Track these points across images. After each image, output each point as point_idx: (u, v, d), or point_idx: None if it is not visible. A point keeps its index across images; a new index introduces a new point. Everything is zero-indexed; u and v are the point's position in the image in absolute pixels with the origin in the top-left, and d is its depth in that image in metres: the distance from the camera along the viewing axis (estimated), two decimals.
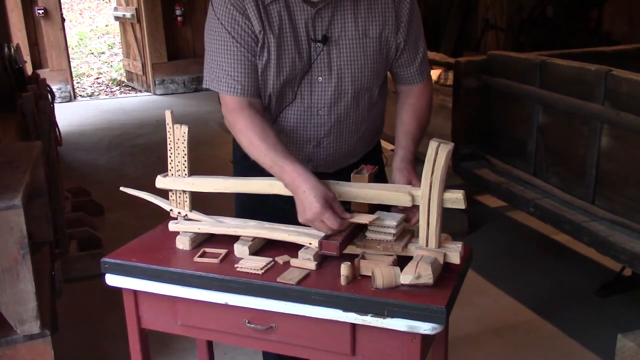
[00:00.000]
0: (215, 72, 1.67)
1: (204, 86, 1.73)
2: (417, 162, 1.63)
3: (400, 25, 1.70)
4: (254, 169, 1.74)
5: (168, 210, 1.73)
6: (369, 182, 1.60)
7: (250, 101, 1.66)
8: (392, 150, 1.76)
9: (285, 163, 1.55)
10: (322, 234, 1.52)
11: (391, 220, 1.50)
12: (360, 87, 1.71)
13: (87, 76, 10.72)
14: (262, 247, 1.65)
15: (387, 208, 1.58)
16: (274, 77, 1.66)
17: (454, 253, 1.46)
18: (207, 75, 1.70)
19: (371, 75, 1.71)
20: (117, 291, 1.66)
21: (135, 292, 1.64)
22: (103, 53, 12.15)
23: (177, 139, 1.66)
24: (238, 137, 1.66)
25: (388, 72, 1.81)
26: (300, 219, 1.53)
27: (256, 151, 1.60)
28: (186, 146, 1.66)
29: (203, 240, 1.70)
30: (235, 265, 1.54)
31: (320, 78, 1.68)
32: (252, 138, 1.61)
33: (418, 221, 1.49)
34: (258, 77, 1.66)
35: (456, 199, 1.44)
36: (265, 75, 1.66)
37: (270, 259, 1.56)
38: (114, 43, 12.36)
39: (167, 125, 1.66)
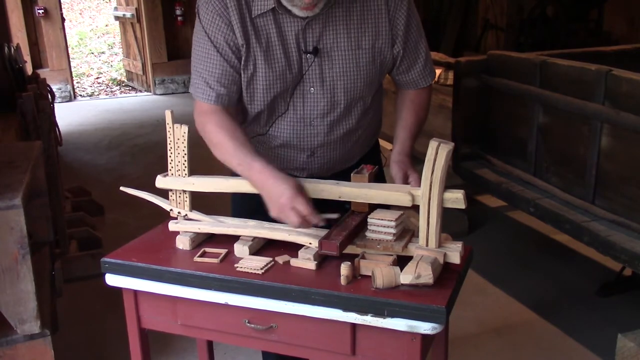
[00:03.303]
0: (194, 77, 1.69)
1: (190, 90, 1.75)
2: (417, 162, 1.63)
3: (397, 35, 1.69)
4: None
5: (168, 210, 1.73)
6: (369, 182, 1.60)
7: (223, 109, 1.68)
8: (392, 150, 1.77)
9: (254, 160, 1.57)
10: (322, 234, 1.51)
11: (390, 216, 1.50)
12: (353, 97, 1.71)
13: (87, 76, 10.72)
14: (262, 247, 1.65)
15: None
16: (263, 89, 1.66)
17: (454, 253, 1.46)
18: (191, 80, 1.73)
19: (364, 86, 1.71)
20: (117, 291, 1.66)
21: (135, 292, 1.64)
22: (103, 53, 12.16)
23: (177, 138, 1.66)
24: (208, 137, 1.67)
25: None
26: (273, 211, 1.53)
27: (223, 150, 1.63)
28: (186, 146, 1.66)
29: (203, 240, 1.70)
30: (235, 265, 1.54)
31: (312, 89, 1.68)
32: (220, 137, 1.63)
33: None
34: (235, 87, 1.68)
35: (456, 199, 1.44)
36: (252, 87, 1.67)
37: (270, 259, 1.56)
38: (114, 43, 12.37)
39: (167, 125, 1.66)
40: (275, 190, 1.52)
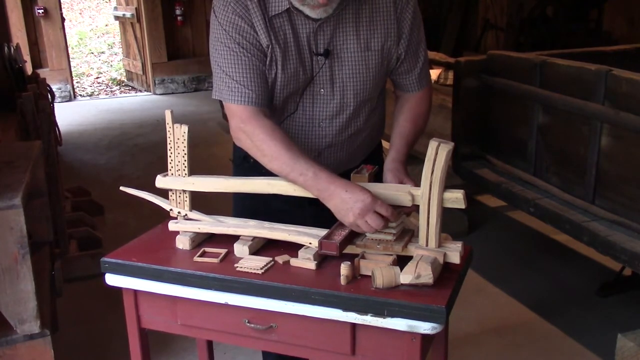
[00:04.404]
0: (226, 82, 1.63)
1: (214, 97, 1.70)
2: (417, 162, 1.63)
3: (401, 36, 1.69)
4: (255, 170, 1.74)
5: (168, 210, 1.73)
6: (369, 182, 1.60)
7: (262, 110, 1.64)
8: (386, 157, 1.76)
9: (319, 170, 1.52)
10: (322, 234, 1.51)
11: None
12: (362, 99, 1.71)
13: (87, 76, 10.72)
14: (262, 246, 1.65)
15: None
16: (279, 89, 1.66)
17: (454, 253, 1.46)
18: (216, 86, 1.67)
19: (373, 87, 1.71)
20: (117, 291, 1.66)
21: (135, 292, 1.64)
22: (103, 53, 12.16)
23: (177, 138, 1.66)
24: (260, 146, 1.60)
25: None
26: (348, 218, 1.48)
27: (280, 161, 1.56)
28: (186, 146, 1.66)
29: (203, 240, 1.70)
30: (235, 265, 1.54)
31: (322, 90, 1.68)
32: (274, 148, 1.56)
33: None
34: (268, 86, 1.65)
35: (456, 198, 1.44)
36: (273, 88, 1.66)
37: (270, 258, 1.56)
38: (113, 43, 12.37)
39: (167, 124, 1.66)
40: (352, 197, 1.47)
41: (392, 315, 1.37)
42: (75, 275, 3.38)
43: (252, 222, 1.68)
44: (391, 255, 1.48)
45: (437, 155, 1.41)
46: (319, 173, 1.52)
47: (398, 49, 1.70)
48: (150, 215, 2.10)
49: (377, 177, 1.66)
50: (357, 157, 1.83)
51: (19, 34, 7.52)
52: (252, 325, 1.52)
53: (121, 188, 1.80)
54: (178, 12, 8.53)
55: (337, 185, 1.50)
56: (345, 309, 1.41)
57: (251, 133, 1.61)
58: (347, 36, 1.64)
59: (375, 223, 1.46)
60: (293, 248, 1.57)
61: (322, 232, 1.54)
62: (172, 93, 8.75)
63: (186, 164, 1.67)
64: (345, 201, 1.48)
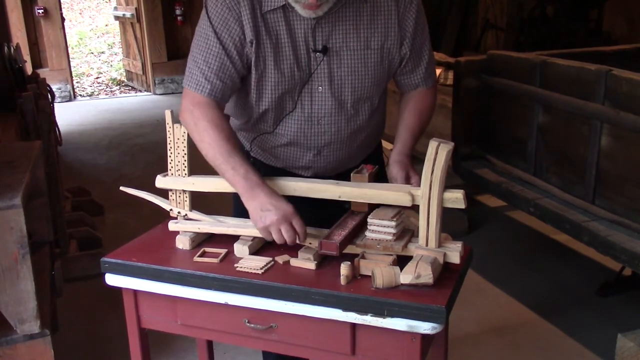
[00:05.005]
0: (190, 67, 1.66)
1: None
2: (417, 162, 1.63)
3: (405, 36, 1.69)
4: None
5: (168, 210, 1.73)
6: (369, 181, 1.60)
7: (216, 102, 1.66)
8: (392, 149, 1.77)
9: (250, 171, 1.58)
10: (322, 234, 1.51)
11: (389, 216, 1.49)
12: (360, 97, 1.71)
13: (87, 76, 10.72)
14: (262, 246, 1.65)
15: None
16: (271, 87, 1.66)
17: (454, 253, 1.46)
18: (186, 71, 1.70)
19: (372, 86, 1.71)
20: (117, 291, 1.66)
21: (135, 292, 1.64)
22: (103, 53, 12.16)
23: (177, 138, 1.66)
24: (200, 132, 1.62)
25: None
26: (264, 221, 1.52)
27: (215, 151, 1.59)
28: (186, 146, 1.66)
29: (203, 240, 1.70)
30: (235, 265, 1.54)
31: (320, 88, 1.68)
32: (216, 137, 1.60)
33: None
34: (230, 83, 1.66)
35: (456, 198, 1.44)
36: (261, 85, 1.66)
37: (270, 258, 1.56)
38: (113, 43, 12.37)
39: (166, 124, 1.66)
40: (274, 204, 1.52)
41: (392, 315, 1.37)
42: (75, 275, 3.38)
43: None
44: (391, 255, 1.48)
45: (437, 155, 1.41)
46: (249, 174, 1.57)
47: (402, 50, 1.70)
48: (150, 215, 2.10)
49: (377, 177, 1.66)
50: (357, 157, 1.83)
51: (19, 34, 7.51)
52: (252, 325, 1.52)
53: (121, 188, 1.80)
54: (178, 12, 8.53)
55: (263, 190, 1.55)
56: (345, 309, 1.41)
57: (198, 118, 1.63)
58: (346, 34, 1.64)
59: (289, 234, 1.51)
60: (293, 248, 1.57)
61: (322, 232, 1.54)
62: (172, 93, 8.74)
63: (186, 164, 1.67)
64: (266, 206, 1.52)
